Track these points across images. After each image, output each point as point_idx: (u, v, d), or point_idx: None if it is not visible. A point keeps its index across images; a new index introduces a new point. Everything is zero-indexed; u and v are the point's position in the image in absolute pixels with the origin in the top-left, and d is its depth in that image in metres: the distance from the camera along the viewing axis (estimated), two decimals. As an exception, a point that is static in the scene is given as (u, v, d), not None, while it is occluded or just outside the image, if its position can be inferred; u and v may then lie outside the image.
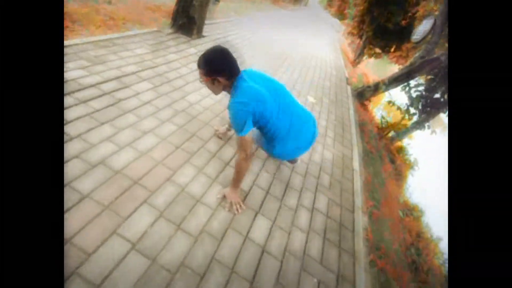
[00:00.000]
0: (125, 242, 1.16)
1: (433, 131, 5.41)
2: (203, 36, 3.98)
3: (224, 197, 1.60)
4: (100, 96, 1.89)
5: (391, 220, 2.66)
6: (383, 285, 1.72)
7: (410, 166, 5.86)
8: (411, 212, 4.17)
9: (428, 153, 7.06)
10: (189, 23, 3.67)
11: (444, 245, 4.04)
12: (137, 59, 2.57)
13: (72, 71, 1.99)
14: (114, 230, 1.18)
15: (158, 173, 1.56)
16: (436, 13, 4.88)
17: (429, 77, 5.13)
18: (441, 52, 4.60)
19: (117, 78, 2.15)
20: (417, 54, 5.02)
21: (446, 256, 3.69)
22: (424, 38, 4.77)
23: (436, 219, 4.59)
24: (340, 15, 22.65)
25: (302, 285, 1.35)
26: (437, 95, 5.18)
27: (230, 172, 1.77)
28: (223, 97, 2.47)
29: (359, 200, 2.18)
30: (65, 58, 2.09)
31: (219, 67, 1.39)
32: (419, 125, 5.61)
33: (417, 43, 5.08)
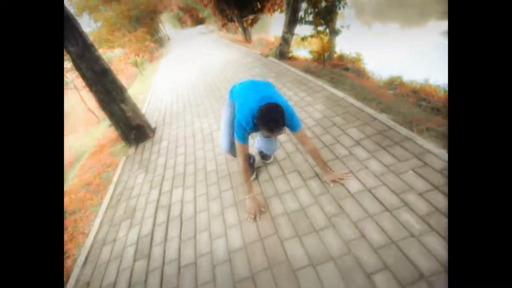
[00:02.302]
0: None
1: (348, 26, 6.75)
2: (155, 128, 4.43)
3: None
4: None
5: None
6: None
7: (359, 59, 6.97)
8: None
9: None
10: (139, 130, 4.04)
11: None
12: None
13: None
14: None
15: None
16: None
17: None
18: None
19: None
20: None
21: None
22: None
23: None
24: (198, 22, 23.18)
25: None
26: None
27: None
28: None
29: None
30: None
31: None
32: (335, 32, 6.78)
33: None
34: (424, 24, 11.98)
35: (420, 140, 2.28)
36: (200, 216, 2.27)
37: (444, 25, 10.16)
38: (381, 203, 1.83)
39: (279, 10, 10.87)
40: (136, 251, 2.16)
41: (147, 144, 4.05)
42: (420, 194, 1.79)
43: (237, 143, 1.90)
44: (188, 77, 7.43)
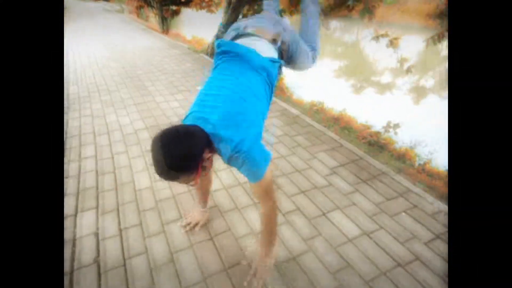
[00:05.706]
0: None
1: None
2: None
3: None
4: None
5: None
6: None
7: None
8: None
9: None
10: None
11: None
12: None
13: None
14: None
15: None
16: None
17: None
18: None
19: None
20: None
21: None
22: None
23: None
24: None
25: None
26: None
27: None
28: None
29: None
30: None
31: (196, 150, 0.96)
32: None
33: None
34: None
35: (397, 177, 2.15)
36: (133, 262, 1.48)
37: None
38: (388, 254, 1.52)
39: (206, 9, 10.27)
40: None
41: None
42: (426, 245, 1.57)
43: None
44: (94, 57, 5.81)
